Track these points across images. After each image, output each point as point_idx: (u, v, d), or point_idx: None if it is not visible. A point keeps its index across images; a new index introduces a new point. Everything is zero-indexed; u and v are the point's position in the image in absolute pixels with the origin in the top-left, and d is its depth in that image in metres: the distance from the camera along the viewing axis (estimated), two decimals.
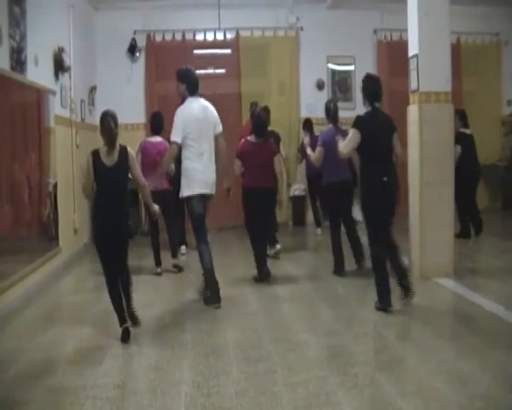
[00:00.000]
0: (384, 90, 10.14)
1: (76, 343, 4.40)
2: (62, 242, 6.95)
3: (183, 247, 7.62)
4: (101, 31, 9.60)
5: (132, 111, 9.36)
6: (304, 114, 9.98)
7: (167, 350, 4.21)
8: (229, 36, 10.04)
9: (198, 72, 9.81)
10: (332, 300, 5.36)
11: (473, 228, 8.01)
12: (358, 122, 4.96)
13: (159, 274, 6.56)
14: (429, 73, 5.86)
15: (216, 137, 5.46)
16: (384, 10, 9.92)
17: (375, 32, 10.32)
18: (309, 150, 6.41)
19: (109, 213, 4.38)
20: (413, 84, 6.00)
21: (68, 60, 7.52)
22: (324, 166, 6.25)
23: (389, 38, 10.33)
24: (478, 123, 10.11)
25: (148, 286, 6.09)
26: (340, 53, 10.18)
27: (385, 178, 4.88)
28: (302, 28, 10.09)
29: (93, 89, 9.23)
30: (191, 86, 5.43)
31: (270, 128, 7.34)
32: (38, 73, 6.36)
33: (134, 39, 9.76)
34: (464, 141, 7.65)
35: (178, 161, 5.54)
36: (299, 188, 9.98)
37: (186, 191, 5.32)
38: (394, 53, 9.61)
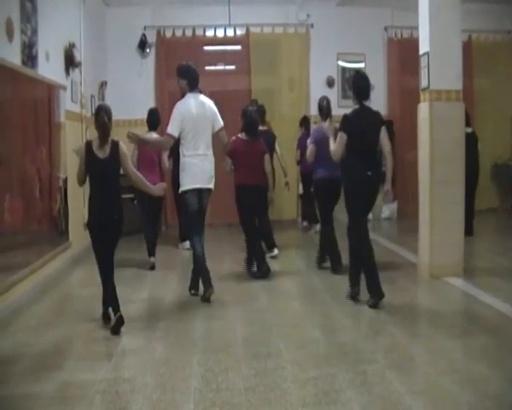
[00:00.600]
0: (394, 88, 10.26)
1: (85, 337, 4.42)
2: (72, 236, 6.98)
3: (187, 242, 7.58)
4: (111, 26, 9.64)
5: (142, 106, 9.28)
6: (314, 112, 9.93)
7: (177, 345, 4.23)
8: (239, 32, 10.04)
9: (208, 68, 10.07)
10: (341, 297, 5.34)
11: None
12: (344, 124, 5.03)
13: (152, 265, 6.62)
14: (440, 70, 5.83)
15: (217, 133, 5.48)
16: (395, 7, 9.86)
17: (385, 29, 10.27)
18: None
19: (101, 205, 4.50)
20: (424, 82, 5.98)
21: (79, 55, 7.56)
22: (316, 162, 6.26)
23: (400, 36, 10.28)
24: (489, 122, 10.10)
25: (156, 281, 6.11)
26: (350, 50, 10.15)
27: (369, 173, 4.98)
28: (312, 25, 10.07)
29: (103, 84, 9.26)
30: (192, 82, 5.44)
31: (265, 127, 7.34)
32: (49, 68, 6.39)
33: (144, 35, 9.77)
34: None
35: (177, 158, 5.59)
36: None
37: (181, 186, 5.37)
38: (405, 51, 9.57)
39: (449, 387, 3.38)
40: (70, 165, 6.97)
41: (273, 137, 7.89)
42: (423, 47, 5.97)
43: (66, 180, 6.79)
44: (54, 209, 6.47)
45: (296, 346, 4.18)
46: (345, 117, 5.08)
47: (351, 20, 9.96)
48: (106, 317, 4.69)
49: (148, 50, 9.85)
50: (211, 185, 5.46)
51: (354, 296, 5.15)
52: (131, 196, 7.06)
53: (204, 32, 9.98)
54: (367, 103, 5.07)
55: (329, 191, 6.21)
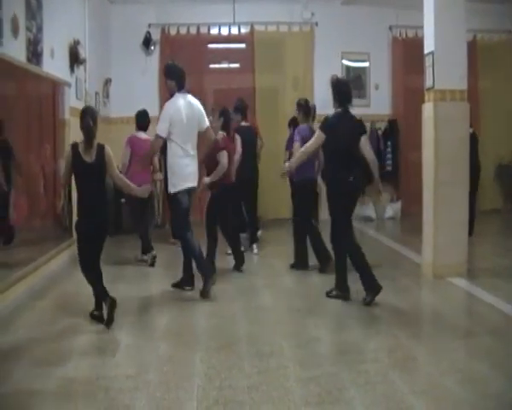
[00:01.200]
0: (399, 88, 10.25)
1: (89, 334, 4.43)
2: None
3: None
4: (116, 24, 9.64)
5: (146, 104, 9.22)
6: (318, 111, 9.94)
7: (180, 343, 4.23)
8: (243, 30, 10.04)
9: (212, 66, 10.07)
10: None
11: None
12: (324, 124, 5.09)
13: (145, 261, 6.64)
14: (445, 70, 5.81)
15: (204, 132, 5.51)
16: (399, 7, 9.83)
17: (390, 28, 10.26)
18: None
19: (88, 209, 4.52)
20: (428, 82, 5.96)
21: (84, 52, 7.56)
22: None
23: (404, 35, 10.27)
24: (493, 122, 10.06)
25: (158, 279, 6.11)
26: (354, 49, 10.15)
27: (350, 179, 5.01)
28: (317, 24, 10.06)
29: (108, 81, 9.28)
30: (180, 82, 5.44)
31: (247, 123, 7.31)
32: (54, 65, 6.40)
33: (149, 32, 9.78)
34: None
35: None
36: None
37: (174, 187, 5.38)
38: (409, 50, 9.56)
39: (451, 387, 3.39)
40: None
41: (255, 132, 7.76)
42: (428, 46, 5.96)
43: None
44: (58, 206, 6.48)
45: (298, 345, 4.19)
46: (325, 118, 5.16)
47: (355, 18, 9.95)
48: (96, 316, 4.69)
49: (152, 48, 9.85)
50: (196, 184, 5.55)
51: (347, 297, 5.18)
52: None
53: (208, 29, 9.98)
54: (350, 108, 5.17)
55: (310, 192, 6.36)
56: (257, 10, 9.78)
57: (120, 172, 5.58)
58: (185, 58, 9.76)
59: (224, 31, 10.03)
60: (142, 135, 6.81)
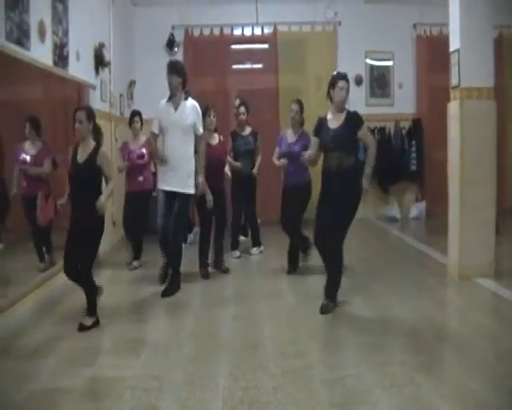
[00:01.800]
0: (423, 86, 10.12)
1: (114, 334, 4.48)
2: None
3: (237, 251, 7.37)
4: (139, 26, 9.72)
5: None
6: None
7: (204, 343, 4.25)
8: (266, 31, 10.03)
9: (235, 67, 10.09)
10: (368, 296, 5.31)
11: None
12: (315, 129, 5.11)
13: (135, 268, 6.60)
14: (471, 68, 5.73)
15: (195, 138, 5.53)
16: (423, 4, 9.71)
17: (414, 26, 10.15)
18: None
19: (75, 210, 4.50)
20: (454, 80, 5.89)
21: (108, 55, 7.66)
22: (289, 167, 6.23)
23: (429, 33, 10.14)
24: None
25: (185, 281, 6.13)
26: (378, 48, 10.07)
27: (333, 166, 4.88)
28: (340, 23, 10.00)
29: (132, 83, 9.36)
30: (185, 82, 5.46)
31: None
32: (79, 68, 6.49)
33: (172, 34, 9.84)
34: None
35: None
36: None
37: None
38: (434, 48, 9.45)
39: (478, 390, 3.33)
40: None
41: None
42: (454, 44, 5.88)
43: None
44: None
45: (323, 345, 4.17)
46: (317, 120, 5.17)
47: (379, 17, 9.87)
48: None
49: (176, 49, 9.90)
50: (186, 190, 5.47)
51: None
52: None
53: (231, 30, 10.00)
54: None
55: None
56: (280, 10, 9.78)
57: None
58: (208, 59, 9.86)
59: (247, 31, 10.04)
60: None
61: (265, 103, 9.75)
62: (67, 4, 6.05)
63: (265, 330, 4.48)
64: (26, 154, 5.58)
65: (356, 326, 4.56)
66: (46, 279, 5.39)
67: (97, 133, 4.59)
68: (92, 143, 4.53)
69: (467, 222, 5.76)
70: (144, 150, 6.56)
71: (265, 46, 10.14)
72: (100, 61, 7.34)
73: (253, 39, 10.09)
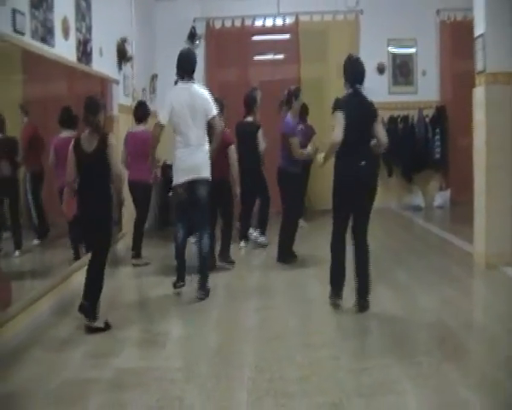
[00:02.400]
0: (447, 73, 9.96)
1: (139, 326, 4.54)
2: (125, 227, 7.13)
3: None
4: (161, 20, 9.75)
5: None
6: None
7: (229, 334, 4.28)
8: (288, 21, 9.98)
9: (257, 58, 10.07)
10: (393, 286, 5.27)
11: None
12: (340, 104, 4.59)
13: (136, 266, 6.49)
14: (497, 53, 5.63)
15: (209, 122, 5.18)
16: None
17: (437, 12, 9.98)
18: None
19: (87, 200, 4.46)
20: (479, 66, 5.80)
21: (131, 50, 7.71)
22: (285, 154, 6.21)
23: (452, 19, 9.97)
24: None
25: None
26: (401, 36, 9.92)
27: (363, 163, 4.49)
28: (362, 11, 9.89)
29: (154, 77, 9.41)
30: (182, 69, 5.22)
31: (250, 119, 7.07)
32: (103, 63, 6.55)
33: (193, 27, 9.85)
34: None
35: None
36: None
37: (174, 180, 5.24)
38: (458, 34, 9.29)
39: (506, 381, 3.30)
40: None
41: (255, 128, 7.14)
42: (478, 29, 5.79)
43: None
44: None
45: (349, 336, 4.17)
46: (337, 99, 4.70)
47: (401, 4, 9.70)
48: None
49: (197, 42, 9.91)
50: (201, 175, 5.15)
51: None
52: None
53: (253, 21, 9.98)
54: (361, 89, 4.68)
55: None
56: (301, 0, 9.72)
57: None
58: (230, 51, 9.87)
59: (269, 22, 10.01)
60: (136, 128, 6.67)
61: None
62: (90, 1, 6.11)
63: (290, 321, 4.49)
64: None
65: (381, 316, 4.54)
66: (74, 272, 5.47)
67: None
68: (99, 132, 4.46)
69: (493, 209, 5.68)
70: None
71: (287, 36, 10.09)
72: (122, 56, 7.40)
73: (274, 30, 10.06)
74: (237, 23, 9.94)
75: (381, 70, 10.06)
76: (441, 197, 10.00)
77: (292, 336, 4.16)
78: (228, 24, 9.96)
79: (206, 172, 5.14)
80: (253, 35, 10.11)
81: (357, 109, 4.55)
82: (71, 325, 4.51)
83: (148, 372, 3.60)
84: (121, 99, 7.31)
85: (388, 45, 10.07)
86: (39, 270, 5.48)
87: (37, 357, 3.93)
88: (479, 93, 5.83)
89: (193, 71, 5.23)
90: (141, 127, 6.64)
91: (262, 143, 6.89)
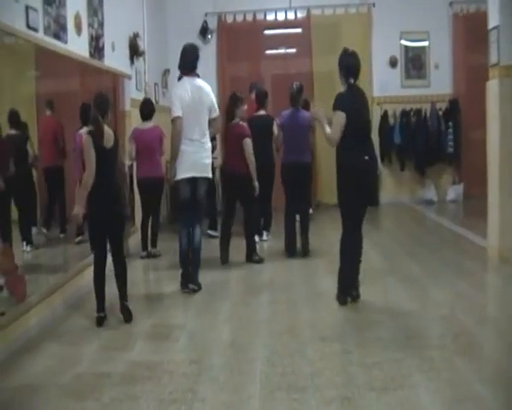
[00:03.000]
0: (460, 66, 9.89)
1: (153, 320, 4.56)
2: (138, 221, 7.16)
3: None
4: (173, 15, 9.77)
5: None
6: (377, 93, 9.82)
7: (241, 328, 4.30)
8: (299, 15, 9.96)
9: (269, 52, 10.06)
10: (405, 279, 5.26)
11: None
12: (340, 102, 4.55)
13: (143, 258, 6.58)
14: (511, 45, 5.58)
15: (210, 122, 5.22)
16: None
17: (450, 4, 9.91)
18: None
19: (106, 197, 4.40)
20: (493, 58, 5.75)
21: (142, 44, 7.73)
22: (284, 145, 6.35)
23: (466, 11, 9.89)
24: None
25: (220, 266, 6.18)
26: (413, 29, 9.86)
27: (366, 157, 4.53)
28: (374, 4, 9.83)
29: (166, 72, 9.42)
30: (185, 64, 5.22)
31: (262, 112, 7.04)
32: (115, 58, 6.57)
33: (205, 21, 9.87)
34: None
35: None
36: None
37: (176, 175, 5.18)
38: (471, 26, 9.24)
39: None
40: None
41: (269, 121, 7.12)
42: (493, 21, 5.73)
43: (131, 167, 6.95)
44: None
45: (361, 329, 4.16)
46: (338, 96, 4.64)
47: None
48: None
49: (209, 37, 9.93)
50: (206, 174, 5.20)
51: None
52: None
53: (265, 16, 9.97)
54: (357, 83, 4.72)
55: (294, 176, 6.29)
56: None
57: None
58: (242, 45, 9.88)
59: (281, 16, 9.98)
60: (144, 125, 6.67)
61: None
62: None
63: (302, 316, 4.50)
64: None
65: (393, 310, 4.54)
66: (87, 266, 5.50)
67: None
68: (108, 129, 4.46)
69: (507, 203, 5.64)
70: None
71: (299, 30, 10.08)
72: (135, 51, 7.42)
73: (286, 24, 10.04)
74: (249, 17, 9.93)
75: (393, 63, 10.01)
76: (454, 191, 9.94)
77: (303, 330, 4.16)
78: (240, 18, 9.95)
79: (208, 172, 5.24)
80: (265, 29, 10.10)
81: (357, 103, 4.61)
82: (85, 319, 4.55)
83: (160, 366, 3.63)
84: (133, 94, 7.33)
85: (401, 38, 10.01)
86: (53, 265, 5.52)
87: (51, 350, 3.97)
88: (492, 86, 5.78)
89: (196, 66, 5.25)
90: (149, 124, 6.68)
91: (279, 134, 6.86)
